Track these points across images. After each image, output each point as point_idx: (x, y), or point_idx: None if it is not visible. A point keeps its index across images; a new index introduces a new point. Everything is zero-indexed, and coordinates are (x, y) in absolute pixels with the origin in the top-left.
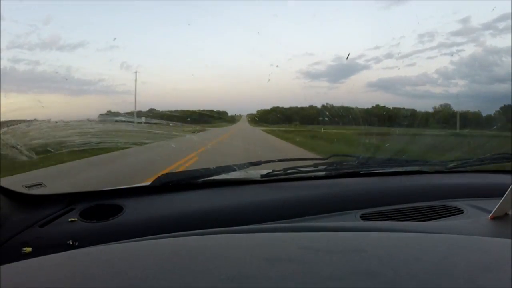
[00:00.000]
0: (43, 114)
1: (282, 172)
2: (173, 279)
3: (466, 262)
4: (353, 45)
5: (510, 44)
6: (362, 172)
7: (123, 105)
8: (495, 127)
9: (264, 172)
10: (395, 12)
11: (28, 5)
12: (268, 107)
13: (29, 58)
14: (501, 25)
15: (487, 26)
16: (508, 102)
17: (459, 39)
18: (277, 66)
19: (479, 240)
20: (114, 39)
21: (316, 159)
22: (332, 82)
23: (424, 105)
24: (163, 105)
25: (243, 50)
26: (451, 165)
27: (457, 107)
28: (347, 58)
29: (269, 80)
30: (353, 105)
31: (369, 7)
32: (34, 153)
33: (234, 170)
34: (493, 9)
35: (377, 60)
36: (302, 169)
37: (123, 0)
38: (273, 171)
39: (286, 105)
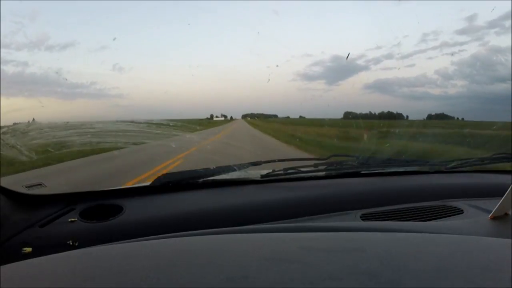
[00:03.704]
0: (38, 118)
1: (282, 172)
2: (173, 279)
3: (466, 262)
4: (354, 45)
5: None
6: (362, 172)
7: (116, 109)
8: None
9: (264, 172)
10: (402, 8)
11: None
12: (262, 109)
13: (17, 59)
14: (508, 23)
15: (492, 24)
16: (508, 102)
17: (462, 38)
18: (277, 66)
19: (479, 240)
20: (114, 38)
21: (316, 159)
22: (329, 84)
23: (422, 107)
24: (155, 109)
25: (240, 51)
26: (451, 165)
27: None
28: (346, 58)
29: (269, 80)
30: (349, 108)
31: (376, 3)
32: (34, 153)
33: (234, 170)
34: (493, 9)
35: (377, 60)
36: (302, 169)
37: None
38: (273, 171)
39: (282, 108)
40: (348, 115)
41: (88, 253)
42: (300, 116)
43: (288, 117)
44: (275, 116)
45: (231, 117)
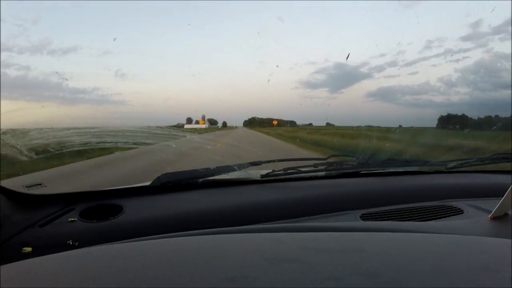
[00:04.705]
0: (40, 123)
1: (282, 172)
2: (173, 279)
3: (466, 262)
4: (358, 53)
5: None
6: (362, 172)
7: (117, 115)
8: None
9: (264, 172)
10: (407, 15)
11: (13, 2)
12: (264, 117)
13: (19, 63)
14: None
15: (497, 30)
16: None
17: (467, 45)
18: (277, 66)
19: (479, 240)
20: (114, 39)
21: (316, 159)
22: (331, 92)
23: (424, 115)
24: (156, 116)
25: (243, 57)
26: (451, 165)
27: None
28: (346, 58)
29: (268, 80)
30: (351, 116)
31: (381, 10)
32: (34, 153)
33: (234, 170)
34: (493, 9)
35: (380, 68)
36: (302, 169)
37: (114, 2)
38: (273, 171)
39: (284, 115)
40: (449, 123)
41: (88, 253)
42: (327, 124)
43: (311, 123)
44: (293, 122)
45: (225, 123)
